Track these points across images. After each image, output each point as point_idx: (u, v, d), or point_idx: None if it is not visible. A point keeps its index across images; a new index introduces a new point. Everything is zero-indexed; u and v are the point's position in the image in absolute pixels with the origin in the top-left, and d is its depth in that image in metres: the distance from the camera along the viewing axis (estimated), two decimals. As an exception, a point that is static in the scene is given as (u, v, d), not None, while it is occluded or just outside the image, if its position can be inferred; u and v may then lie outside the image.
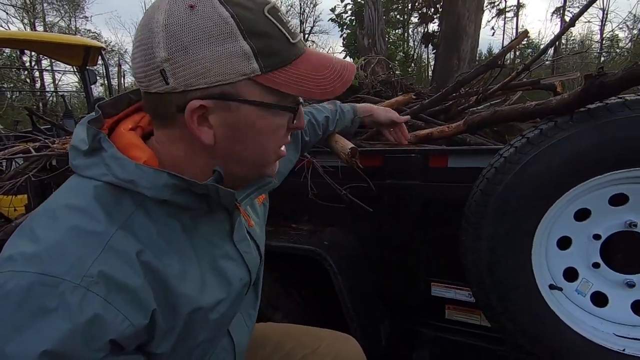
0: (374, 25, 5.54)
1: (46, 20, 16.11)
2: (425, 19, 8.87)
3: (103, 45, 4.46)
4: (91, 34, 16.88)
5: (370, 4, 5.63)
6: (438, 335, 1.28)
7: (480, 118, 1.12)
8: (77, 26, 17.13)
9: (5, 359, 0.38)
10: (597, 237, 0.91)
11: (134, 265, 0.44)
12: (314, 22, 20.85)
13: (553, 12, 17.97)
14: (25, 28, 15.16)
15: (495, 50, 19.33)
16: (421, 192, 1.17)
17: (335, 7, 8.62)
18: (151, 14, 0.45)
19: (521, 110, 0.98)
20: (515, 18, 18.30)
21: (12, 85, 13.54)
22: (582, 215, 0.92)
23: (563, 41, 16.62)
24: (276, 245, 1.23)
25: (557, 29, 16.96)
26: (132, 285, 0.43)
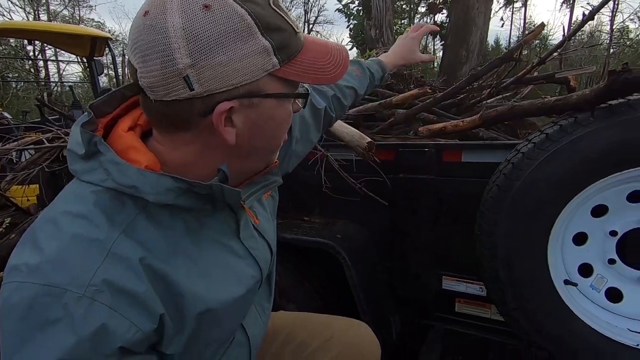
0: (382, 16, 5.46)
1: (50, 9, 16.04)
2: (433, 10, 8.73)
3: (110, 35, 4.44)
4: (95, 23, 16.81)
5: (377, -6, 5.54)
6: (448, 329, 1.29)
7: (497, 113, 1.11)
8: (81, 15, 17.07)
9: None
10: (613, 233, 0.91)
11: (137, 271, 0.43)
12: (318, 12, 20.65)
13: (563, 2, 17.65)
14: (28, 17, 15.08)
15: (503, 42, 19.02)
16: (434, 187, 1.18)
17: (342, -4, 8.46)
18: (158, 15, 0.41)
19: (540, 105, 0.98)
20: (523, 8, 18.03)
21: (16, 75, 13.55)
22: (599, 211, 0.92)
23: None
24: (290, 238, 1.24)
25: (566, 20, 16.65)
26: (137, 291, 0.43)
